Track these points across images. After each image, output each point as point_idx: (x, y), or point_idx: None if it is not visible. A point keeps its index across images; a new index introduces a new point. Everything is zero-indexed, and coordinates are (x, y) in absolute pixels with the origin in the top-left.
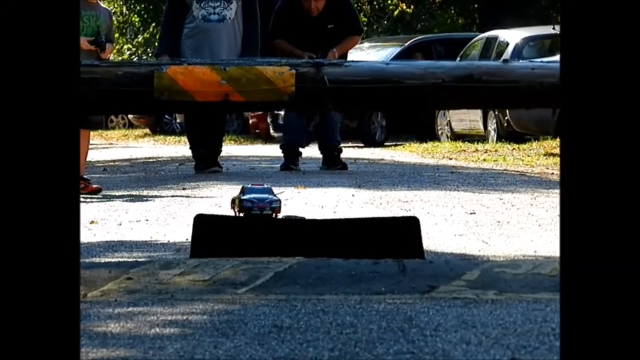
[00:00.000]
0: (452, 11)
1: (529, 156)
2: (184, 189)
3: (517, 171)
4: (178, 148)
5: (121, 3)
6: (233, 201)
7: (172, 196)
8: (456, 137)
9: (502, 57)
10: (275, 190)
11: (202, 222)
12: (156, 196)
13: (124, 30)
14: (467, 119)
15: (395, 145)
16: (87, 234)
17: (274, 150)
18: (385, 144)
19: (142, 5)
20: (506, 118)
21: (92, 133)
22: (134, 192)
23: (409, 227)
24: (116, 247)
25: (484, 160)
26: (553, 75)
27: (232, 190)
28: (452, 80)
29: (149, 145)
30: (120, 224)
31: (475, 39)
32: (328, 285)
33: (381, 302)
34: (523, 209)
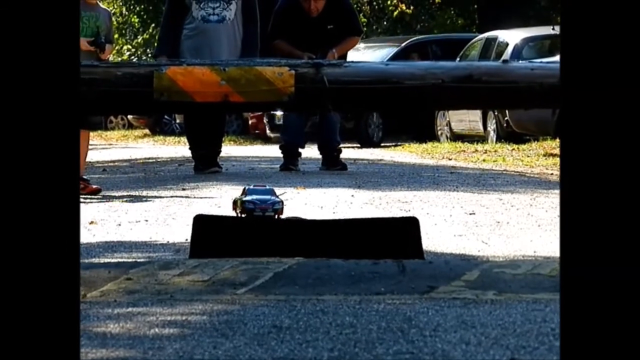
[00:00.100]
0: (452, 12)
1: (528, 157)
2: (183, 189)
3: (517, 172)
4: (177, 148)
5: (121, 4)
6: (235, 202)
7: (172, 197)
8: (456, 137)
9: (502, 58)
10: (277, 191)
11: (202, 223)
12: (156, 197)
13: (123, 31)
14: (466, 119)
15: (392, 146)
16: (87, 235)
17: (274, 151)
18: (382, 144)
19: (142, 6)
20: (506, 118)
21: (91, 134)
22: (133, 193)
23: (409, 227)
24: (115, 248)
25: (484, 160)
26: (553, 75)
27: (232, 190)
28: (452, 80)
29: (149, 145)
30: (119, 225)
31: (474, 40)
32: (327, 285)
33: (381, 302)
34: (522, 209)
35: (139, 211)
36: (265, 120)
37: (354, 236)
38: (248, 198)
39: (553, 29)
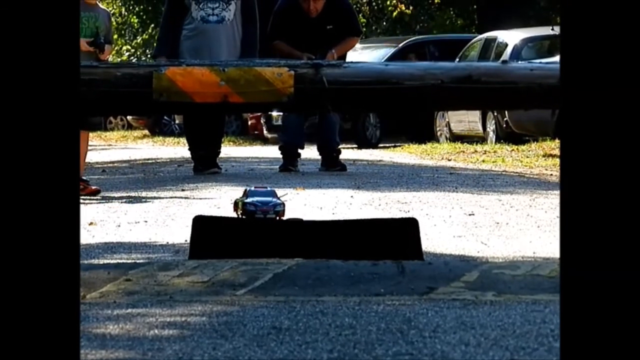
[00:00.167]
0: (451, 12)
1: (527, 157)
2: (182, 190)
3: (516, 172)
4: (177, 149)
5: (120, 4)
6: (236, 204)
7: (171, 197)
8: (455, 138)
9: (501, 58)
10: (278, 192)
11: (201, 224)
12: (155, 197)
13: (122, 32)
14: (466, 120)
15: (391, 147)
16: (86, 236)
17: (273, 152)
18: (380, 145)
19: (141, 7)
20: (505, 119)
21: (91, 134)
22: (132, 194)
23: (408, 228)
24: (115, 249)
25: (483, 161)
26: (552, 76)
27: (231, 191)
28: (451, 81)
29: (148, 146)
30: (119, 226)
31: (474, 40)
32: (327, 286)
33: (380, 303)
34: (522, 210)
35: (138, 212)
36: (262, 121)
37: (354, 237)
38: (249, 200)
39: (552, 29)
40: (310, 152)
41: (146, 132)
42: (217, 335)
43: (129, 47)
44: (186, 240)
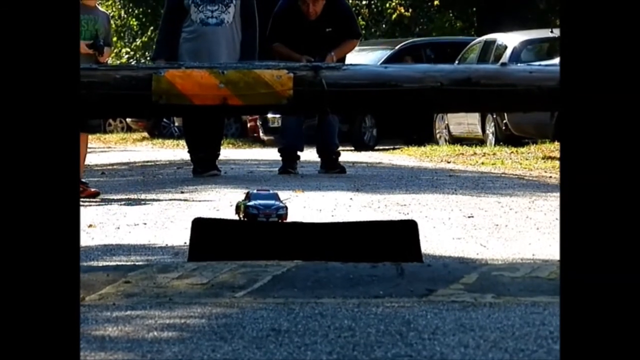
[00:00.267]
0: (451, 14)
1: (527, 159)
2: (182, 192)
3: (515, 174)
4: (176, 152)
5: (119, 7)
6: (238, 207)
7: (170, 200)
8: (454, 140)
9: (501, 61)
10: (281, 195)
11: (200, 226)
12: (154, 200)
13: (122, 34)
14: (465, 122)
15: (388, 149)
16: (85, 238)
17: (272, 154)
18: (376, 148)
19: (140, 9)
20: (504, 121)
21: (90, 137)
22: (132, 196)
23: (407, 230)
24: (114, 251)
25: (482, 163)
26: (551, 78)
27: (231, 194)
28: (451, 83)
29: (147, 148)
30: (118, 228)
31: (473, 42)
32: (326, 288)
33: (379, 305)
34: (521, 212)
35: (137, 214)
36: (259, 123)
37: (353, 239)
38: (251, 203)
39: (552, 31)
40: (309, 155)
41: (145, 134)
42: (216, 337)
43: (128, 50)
44: (185, 243)
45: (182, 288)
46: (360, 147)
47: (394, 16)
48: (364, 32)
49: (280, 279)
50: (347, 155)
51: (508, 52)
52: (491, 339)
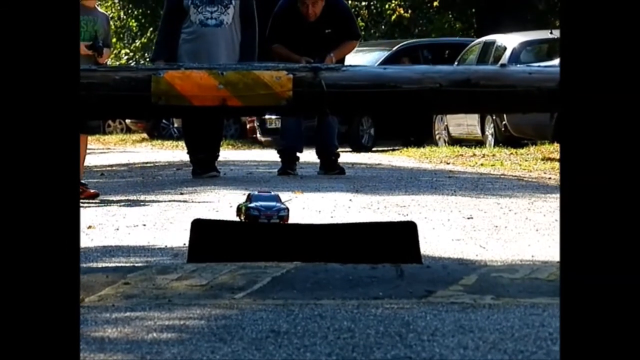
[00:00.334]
0: (450, 16)
1: (526, 161)
2: (181, 193)
3: (515, 176)
4: (175, 153)
5: (119, 8)
6: (239, 209)
7: (170, 201)
8: (454, 141)
9: (500, 62)
10: (282, 197)
11: (200, 227)
12: (154, 201)
13: (121, 35)
14: (464, 123)
15: (384, 151)
16: (85, 239)
17: (272, 155)
18: (373, 149)
19: (140, 10)
20: (504, 123)
21: (89, 138)
22: (131, 197)
23: (407, 231)
24: (113, 252)
25: (482, 164)
26: (551, 79)
27: (230, 195)
28: (450, 84)
29: (147, 150)
30: (117, 229)
31: (472, 44)
32: (326, 290)
33: (379, 306)
34: (520, 213)
35: (137, 215)
36: (256, 124)
37: (352, 240)
38: (253, 205)
39: (551, 32)
40: (308, 156)
41: (145, 135)
42: (215, 338)
43: (127, 51)
44: (185, 244)
45: (181, 289)
46: (357, 148)
47: (393, 17)
48: (363, 33)
49: (279, 281)
50: (346, 157)
51: (507, 53)
52: (490, 341)
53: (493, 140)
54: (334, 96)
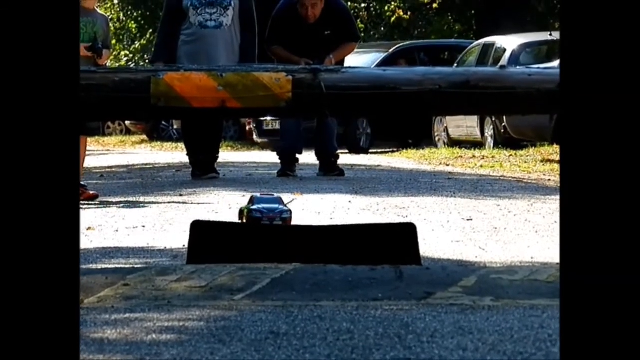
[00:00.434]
0: (449, 17)
1: (526, 162)
2: (180, 195)
3: (514, 177)
4: (175, 154)
5: (118, 9)
6: (241, 212)
7: (169, 202)
8: (453, 143)
9: (499, 64)
10: (285, 199)
11: (199, 229)
12: (153, 202)
13: (121, 37)
14: (464, 125)
15: (381, 152)
16: (84, 240)
17: (271, 157)
18: (370, 151)
19: (139, 12)
20: (503, 124)
21: (89, 139)
22: (130, 199)
23: (406, 233)
24: (113, 254)
25: (481, 166)
26: (550, 81)
27: (229, 196)
28: (449, 86)
29: (146, 151)
30: (117, 231)
31: (472, 45)
32: (325, 291)
33: (378, 308)
34: (520, 215)
35: (136, 217)
36: (252, 126)
37: (352, 242)
38: (255, 207)
39: (551, 34)
40: (308, 157)
41: (144, 137)
42: (214, 340)
43: (127, 53)
44: (184, 245)
45: (180, 291)
46: (354, 150)
47: (392, 19)
48: (362, 35)
49: (279, 282)
50: (345, 158)
51: (507, 55)
52: (490, 342)
53: (492, 141)
54: (334, 98)
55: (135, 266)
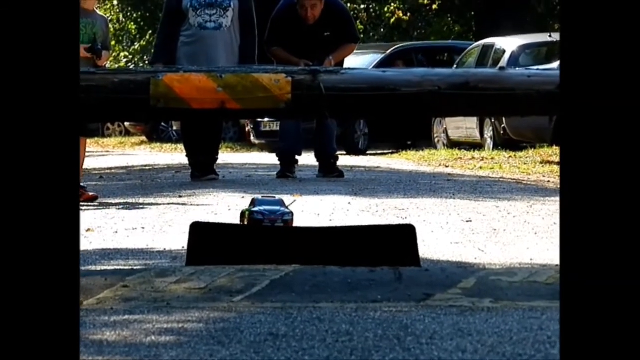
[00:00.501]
0: (449, 19)
1: (525, 164)
2: (180, 196)
3: (514, 179)
4: (174, 156)
5: (118, 10)
6: (242, 214)
7: (169, 204)
8: (453, 144)
9: (499, 65)
10: (286, 201)
11: (198, 230)
12: (152, 204)
13: (120, 38)
14: (463, 126)
15: (378, 154)
16: (84, 242)
17: (271, 158)
18: (368, 152)
19: (139, 13)
20: (503, 126)
21: (88, 141)
22: (130, 200)
23: (405, 235)
24: (112, 255)
25: (481, 168)
26: (550, 83)
27: (229, 198)
28: (449, 87)
29: (146, 152)
30: (116, 232)
31: (471, 47)
32: (324, 293)
33: (377, 310)
34: (519, 216)
35: (135, 218)
36: (250, 127)
37: (351, 244)
38: (257, 209)
39: (550, 36)
40: (307, 159)
41: (144, 138)
42: (214, 341)
43: (126, 54)
44: (183, 247)
45: (180, 292)
46: (352, 151)
47: (392, 20)
48: (362, 36)
49: (278, 284)
50: (344, 160)
51: (506, 56)
52: (489, 344)
53: (492, 143)
54: (333, 99)
55: (135, 268)
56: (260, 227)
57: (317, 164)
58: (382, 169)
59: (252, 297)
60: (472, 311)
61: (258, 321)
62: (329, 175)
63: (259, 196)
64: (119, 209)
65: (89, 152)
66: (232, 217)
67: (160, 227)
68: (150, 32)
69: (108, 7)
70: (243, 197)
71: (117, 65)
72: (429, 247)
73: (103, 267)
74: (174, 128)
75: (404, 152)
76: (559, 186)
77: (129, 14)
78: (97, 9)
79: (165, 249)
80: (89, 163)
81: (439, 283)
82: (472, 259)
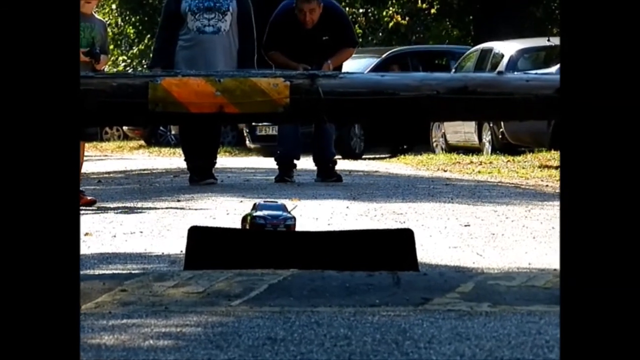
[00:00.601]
0: (447, 23)
1: (523, 168)
2: (178, 200)
3: (512, 183)
4: (173, 160)
5: (116, 14)
6: (244, 219)
7: (167, 208)
8: (451, 149)
9: (497, 69)
10: (288, 206)
11: (197, 234)
12: (151, 208)
13: (118, 42)
14: (461, 131)
15: (383, 157)
16: (82, 246)
17: (269, 162)
18: (364, 157)
19: (137, 17)
20: (501, 130)
21: (87, 145)
22: (128, 204)
23: (403, 239)
24: (110, 259)
25: (479, 172)
26: (548, 87)
27: (227, 202)
28: (447, 92)
29: (144, 157)
30: (114, 236)
31: (469, 51)
32: (322, 297)
33: (375, 314)
34: (517, 221)
35: (133, 222)
36: (245, 131)
37: (349, 248)
38: (259, 213)
39: (548, 40)
40: (305, 163)
41: (142, 142)
42: (212, 345)
43: (124, 58)
44: (182, 251)
45: (178, 296)
46: (348, 155)
47: (390, 24)
48: (360, 40)
49: (276, 288)
50: (342, 164)
51: (505, 61)
52: (487, 348)
53: (490, 147)
54: (331, 103)
55: (133, 272)
56: (258, 232)
57: (315, 168)
58: (380, 173)
59: (250, 301)
60: (470, 315)
61: (256, 325)
62: (327, 180)
63: (261, 201)
64: (117, 213)
65: (87, 156)
66: (231, 222)
67: (158, 231)
68: (149, 36)
69: (106, 11)
70: (241, 202)
71: (115, 70)
72: (427, 252)
73: (101, 271)
74: (173, 132)
75: (402, 156)
76: (557, 190)
77: (127, 18)
78: (95, 12)
79: (163, 253)
80: (87, 167)
81: (437, 287)
82: (470, 263)
